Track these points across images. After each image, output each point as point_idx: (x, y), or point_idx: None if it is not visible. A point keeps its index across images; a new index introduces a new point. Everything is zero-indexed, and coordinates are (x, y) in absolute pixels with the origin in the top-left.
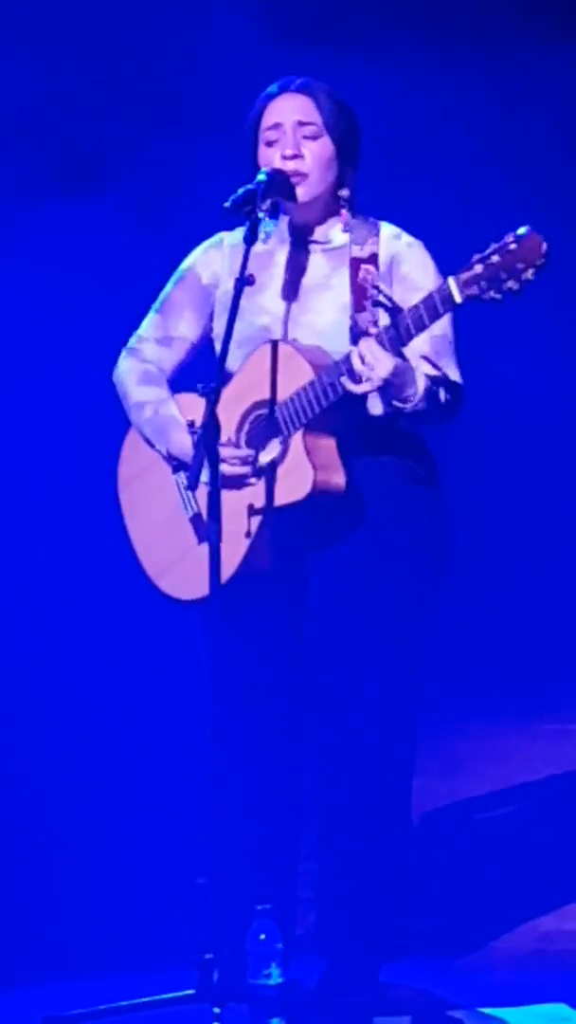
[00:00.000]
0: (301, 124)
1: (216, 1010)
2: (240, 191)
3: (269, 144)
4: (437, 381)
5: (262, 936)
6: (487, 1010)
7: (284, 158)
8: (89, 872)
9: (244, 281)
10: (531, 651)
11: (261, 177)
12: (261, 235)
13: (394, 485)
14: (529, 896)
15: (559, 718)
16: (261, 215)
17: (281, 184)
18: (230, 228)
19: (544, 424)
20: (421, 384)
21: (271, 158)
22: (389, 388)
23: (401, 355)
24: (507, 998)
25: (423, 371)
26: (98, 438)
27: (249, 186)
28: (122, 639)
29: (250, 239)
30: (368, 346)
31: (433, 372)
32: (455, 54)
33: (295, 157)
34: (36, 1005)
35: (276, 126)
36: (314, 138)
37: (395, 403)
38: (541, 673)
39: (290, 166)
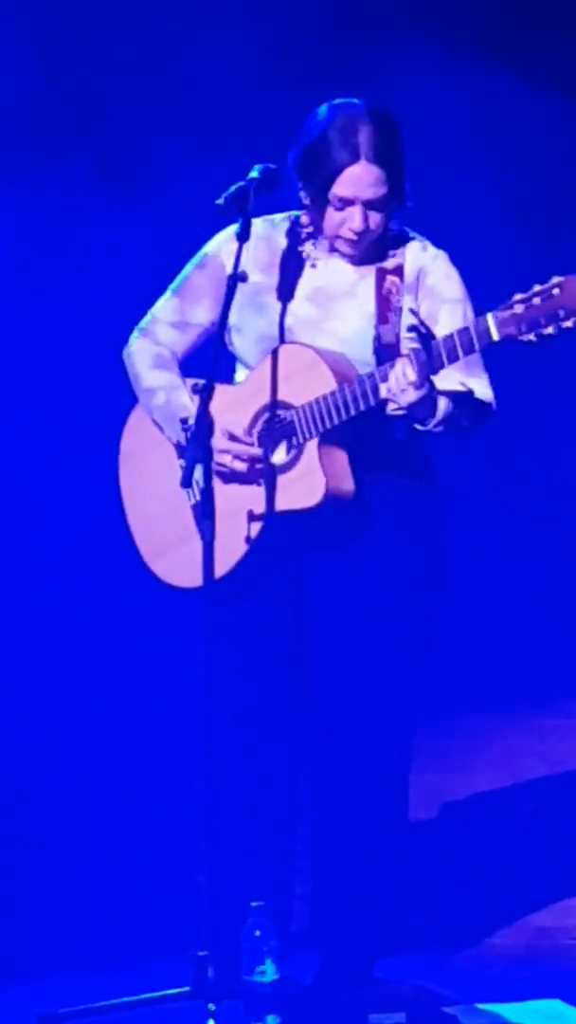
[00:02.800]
0: (370, 201)
1: (211, 1006)
2: (233, 188)
3: (336, 207)
4: (460, 404)
5: (257, 932)
6: (482, 1006)
7: (351, 230)
8: (84, 869)
9: (237, 278)
10: (526, 647)
11: (253, 174)
12: (311, 252)
13: (395, 488)
14: (524, 892)
15: (554, 713)
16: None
17: (273, 181)
18: (234, 220)
19: (542, 422)
20: (441, 410)
21: (336, 223)
22: (409, 412)
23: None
24: (502, 994)
25: (450, 388)
26: (99, 414)
27: (242, 183)
28: (119, 635)
29: (243, 236)
30: (404, 369)
31: (460, 388)
32: (456, 62)
33: (359, 234)
34: (32, 1002)
35: (349, 201)
36: (380, 207)
37: (415, 425)
38: (536, 669)
39: (353, 238)
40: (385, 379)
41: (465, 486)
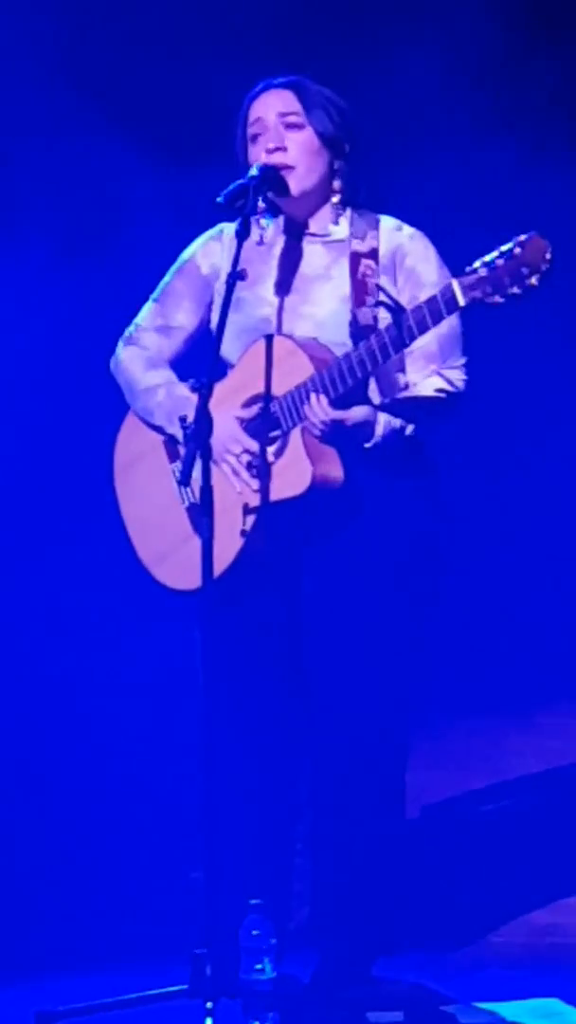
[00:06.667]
0: (283, 115)
1: (209, 1005)
2: (233, 185)
3: (254, 140)
4: (408, 416)
5: (255, 931)
6: (480, 1004)
7: (268, 152)
8: (82, 868)
9: (236, 276)
10: (527, 646)
11: (253, 172)
12: (255, 233)
13: (390, 479)
14: (522, 891)
15: (553, 712)
16: (263, 218)
17: (274, 179)
18: (231, 219)
19: (542, 419)
20: (380, 431)
21: (257, 154)
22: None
23: (371, 384)
24: (500, 993)
25: (413, 394)
26: (92, 427)
27: (242, 181)
28: (118, 632)
29: (242, 234)
30: (318, 403)
31: (429, 393)
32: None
33: (278, 150)
34: (30, 1000)
35: (259, 120)
36: (298, 128)
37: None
38: (536, 668)
39: (275, 159)
40: (360, 357)
41: (462, 482)
